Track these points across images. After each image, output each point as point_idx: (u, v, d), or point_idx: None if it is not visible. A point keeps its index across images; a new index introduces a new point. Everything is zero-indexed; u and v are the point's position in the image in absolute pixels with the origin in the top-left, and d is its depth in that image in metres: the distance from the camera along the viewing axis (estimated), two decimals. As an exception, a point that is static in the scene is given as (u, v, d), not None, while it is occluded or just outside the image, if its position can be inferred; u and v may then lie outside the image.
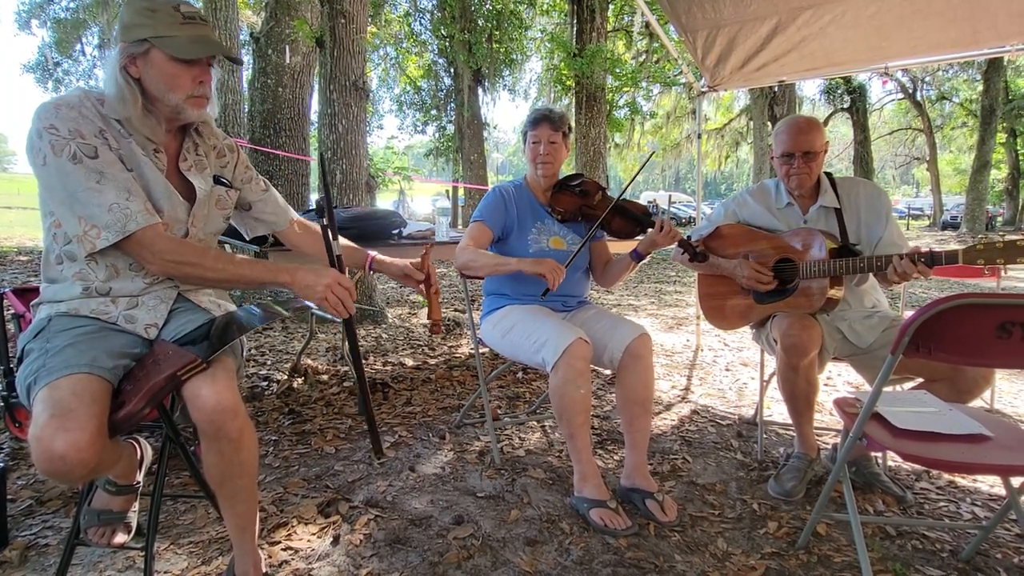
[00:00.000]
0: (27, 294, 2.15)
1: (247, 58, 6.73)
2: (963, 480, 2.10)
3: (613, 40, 13.16)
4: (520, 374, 3.32)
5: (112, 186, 1.20)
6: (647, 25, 11.39)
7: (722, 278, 2.21)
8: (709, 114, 18.87)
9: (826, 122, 19.59)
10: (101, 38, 13.87)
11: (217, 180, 1.45)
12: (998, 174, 22.88)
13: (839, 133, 29.46)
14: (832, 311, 1.99)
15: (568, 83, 10.84)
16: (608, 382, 3.21)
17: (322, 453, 2.25)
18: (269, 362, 3.50)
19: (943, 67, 19.66)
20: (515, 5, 13.45)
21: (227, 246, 2.56)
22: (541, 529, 1.74)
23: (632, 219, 2.11)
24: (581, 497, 1.82)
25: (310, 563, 1.57)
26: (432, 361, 3.62)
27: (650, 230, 2.03)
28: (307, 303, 1.38)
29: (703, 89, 3.86)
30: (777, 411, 2.69)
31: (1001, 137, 20.12)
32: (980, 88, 18.20)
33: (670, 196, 26.10)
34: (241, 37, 7.25)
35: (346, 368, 3.32)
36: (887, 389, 1.71)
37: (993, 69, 16.63)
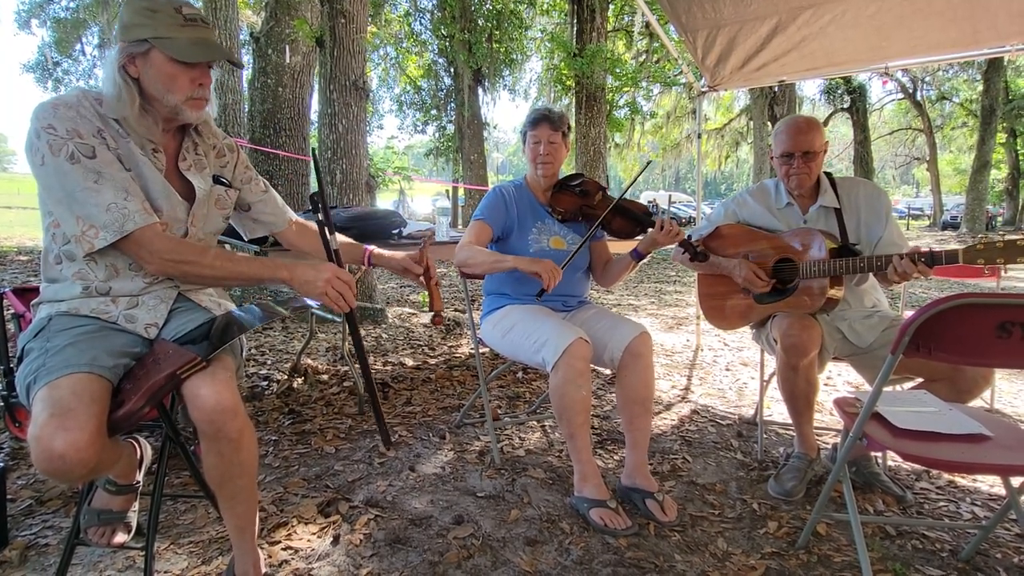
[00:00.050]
0: (27, 294, 2.15)
1: (247, 58, 6.72)
2: (963, 480, 2.10)
3: (613, 40, 13.16)
4: (520, 374, 3.32)
5: (110, 186, 1.20)
6: (647, 25, 11.38)
7: (722, 278, 2.21)
8: (709, 114, 18.87)
9: (826, 122, 19.60)
10: (101, 38, 13.88)
11: (216, 180, 1.45)
12: (998, 174, 22.88)
13: (839, 133, 29.47)
14: (832, 311, 1.99)
15: (568, 83, 10.84)
16: (608, 382, 3.21)
17: (322, 453, 2.25)
18: (269, 362, 3.50)
19: (943, 67, 19.67)
20: (515, 5, 13.45)
21: (227, 246, 2.56)
22: (541, 529, 1.74)
23: (632, 219, 2.11)
24: (581, 497, 1.82)
25: (310, 563, 1.57)
26: (432, 361, 3.62)
27: (651, 229, 2.03)
28: (308, 302, 1.38)
29: (703, 89, 3.86)
30: (777, 411, 2.69)
31: (1001, 137, 20.13)
32: (980, 88, 18.21)
33: (670, 196, 26.09)
34: (241, 37, 7.24)
35: (346, 368, 3.32)
36: (887, 389, 1.71)
37: (993, 69, 16.64)
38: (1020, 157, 21.94)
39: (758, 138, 14.49)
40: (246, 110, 6.39)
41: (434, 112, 17.47)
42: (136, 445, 1.56)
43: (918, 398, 1.64)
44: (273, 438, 2.38)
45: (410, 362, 3.57)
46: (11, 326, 2.10)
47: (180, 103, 1.29)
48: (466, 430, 2.51)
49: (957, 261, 1.66)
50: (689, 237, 2.11)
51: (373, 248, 1.65)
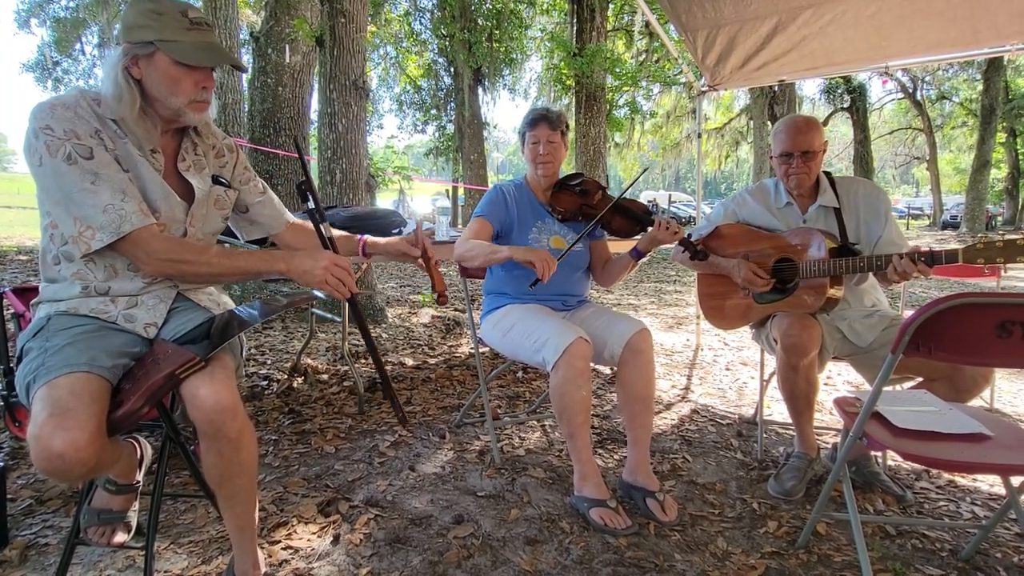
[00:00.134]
0: (27, 293, 2.15)
1: (247, 57, 6.72)
2: (963, 479, 2.10)
3: (613, 39, 13.16)
4: (520, 373, 3.32)
5: (107, 187, 1.20)
6: (647, 24, 11.38)
7: (722, 278, 2.21)
8: (709, 113, 18.87)
9: (826, 122, 19.60)
10: (101, 37, 13.87)
11: (216, 180, 1.45)
12: (998, 174, 22.88)
13: (839, 133, 29.46)
14: (832, 310, 1.99)
15: (568, 82, 10.84)
16: (608, 381, 3.21)
17: (322, 452, 2.25)
18: (269, 362, 3.50)
19: (943, 67, 19.68)
20: (515, 4, 13.45)
21: (226, 245, 2.56)
22: (541, 528, 1.74)
23: (632, 218, 2.11)
24: (581, 496, 1.82)
25: (310, 562, 1.57)
26: (432, 361, 3.62)
27: (651, 228, 2.03)
28: (316, 292, 1.38)
29: (703, 88, 3.86)
30: (777, 410, 2.69)
31: (1001, 137, 20.13)
32: (980, 88, 18.21)
33: (670, 195, 26.14)
34: (241, 36, 7.24)
35: (346, 368, 3.32)
36: (887, 388, 1.71)
37: (993, 69, 16.64)
38: (1020, 157, 21.94)
39: (758, 138, 14.49)
40: (246, 110, 6.38)
41: (434, 112, 17.47)
42: (136, 445, 1.56)
43: (918, 398, 1.64)
44: (273, 438, 2.38)
45: (410, 362, 3.57)
46: (11, 326, 2.10)
47: (183, 106, 1.29)
48: (466, 430, 2.51)
49: (957, 261, 1.66)
50: (689, 236, 2.11)
51: (367, 237, 1.65)
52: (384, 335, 4.29)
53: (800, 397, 1.93)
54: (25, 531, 1.68)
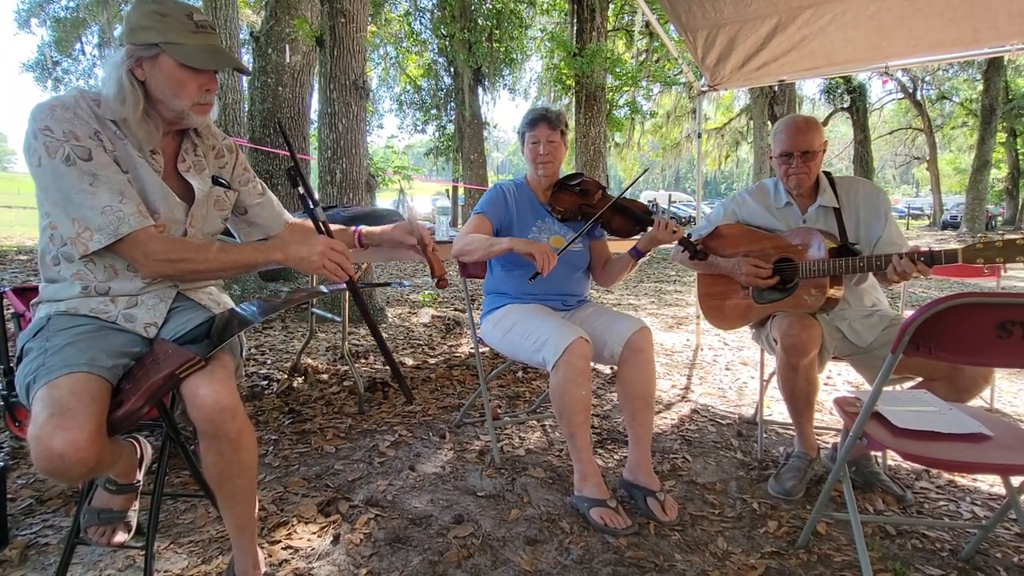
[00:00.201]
0: (27, 293, 2.15)
1: (247, 57, 6.72)
2: (963, 479, 2.10)
3: (613, 39, 13.16)
4: (520, 373, 3.32)
5: (105, 188, 1.20)
6: (647, 24, 11.38)
7: (722, 278, 2.21)
8: (709, 113, 18.88)
9: (826, 122, 19.60)
10: (101, 37, 13.86)
11: (216, 181, 1.45)
12: (998, 174, 22.88)
13: (839, 133, 29.46)
14: (832, 310, 1.99)
15: (568, 82, 10.84)
16: (608, 381, 3.21)
17: (322, 452, 2.25)
18: (269, 361, 3.50)
19: (943, 67, 19.68)
20: (515, 4, 13.44)
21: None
22: (541, 528, 1.74)
23: (632, 217, 2.11)
24: (581, 496, 1.82)
25: (310, 562, 1.57)
26: (432, 360, 3.62)
27: (650, 228, 2.03)
28: (321, 288, 1.38)
29: (703, 88, 3.86)
30: (777, 410, 2.69)
31: (1001, 137, 20.13)
32: (980, 88, 18.21)
33: (670, 195, 26.14)
34: (241, 36, 7.24)
35: (346, 367, 3.32)
36: (887, 388, 1.71)
37: (993, 69, 16.64)
38: (1020, 157, 21.94)
39: (758, 138, 14.49)
40: (246, 109, 6.38)
41: (434, 111, 17.47)
42: (136, 444, 1.56)
43: (918, 397, 1.64)
44: (273, 437, 2.38)
45: (410, 361, 3.57)
46: (11, 325, 2.10)
47: (186, 108, 1.29)
48: (466, 429, 2.51)
49: (956, 260, 1.66)
50: (688, 236, 2.11)
51: (362, 228, 1.66)
52: (384, 335, 4.29)
53: (800, 397, 1.93)
54: (25, 531, 1.68)
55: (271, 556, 1.58)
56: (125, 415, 1.15)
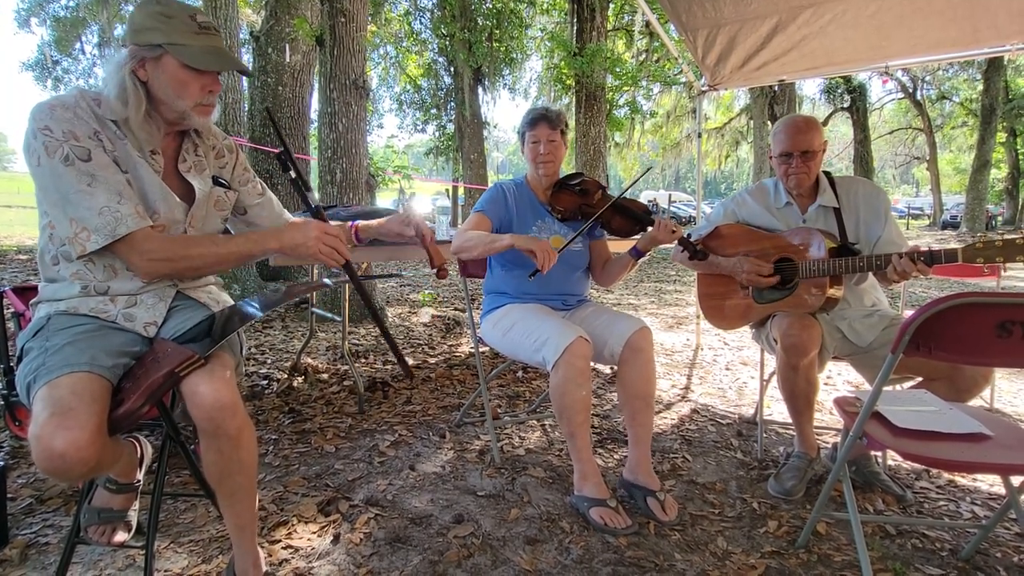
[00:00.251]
0: (27, 292, 2.15)
1: (247, 57, 6.71)
2: (963, 479, 2.10)
3: (613, 39, 13.16)
4: (520, 373, 3.32)
5: (103, 189, 1.20)
6: (647, 24, 11.38)
7: (722, 278, 2.21)
8: (709, 113, 18.87)
9: (826, 121, 19.60)
10: (101, 37, 13.86)
11: (216, 181, 1.45)
12: (998, 173, 22.88)
13: (839, 132, 29.45)
14: (832, 310, 1.99)
15: (568, 82, 10.84)
16: (608, 381, 3.21)
17: (322, 452, 2.25)
18: (269, 361, 3.50)
19: (943, 66, 19.68)
20: (515, 4, 13.44)
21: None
22: (541, 528, 1.74)
23: (632, 217, 2.11)
24: (581, 496, 1.82)
25: (310, 562, 1.57)
26: (432, 360, 3.62)
27: (650, 228, 2.03)
28: (325, 281, 1.37)
29: (703, 88, 3.86)
30: (777, 410, 2.69)
31: (1001, 136, 20.13)
32: (980, 87, 18.21)
33: (670, 195, 26.14)
34: (241, 36, 7.24)
35: (346, 367, 3.32)
36: (887, 388, 1.71)
37: (993, 68, 16.64)
38: (1020, 156, 21.94)
39: (758, 137, 14.49)
40: (246, 109, 6.38)
41: (434, 111, 17.46)
42: (136, 444, 1.56)
43: (918, 397, 1.64)
44: (273, 437, 2.38)
45: (410, 361, 3.57)
46: (11, 325, 2.10)
47: (189, 109, 1.30)
48: (466, 429, 2.51)
49: (956, 260, 1.66)
50: (688, 236, 2.11)
51: (359, 222, 1.66)
52: (384, 335, 4.28)
53: (800, 397, 1.93)
54: (25, 530, 1.68)
55: (271, 555, 1.58)
56: (125, 414, 1.15)
